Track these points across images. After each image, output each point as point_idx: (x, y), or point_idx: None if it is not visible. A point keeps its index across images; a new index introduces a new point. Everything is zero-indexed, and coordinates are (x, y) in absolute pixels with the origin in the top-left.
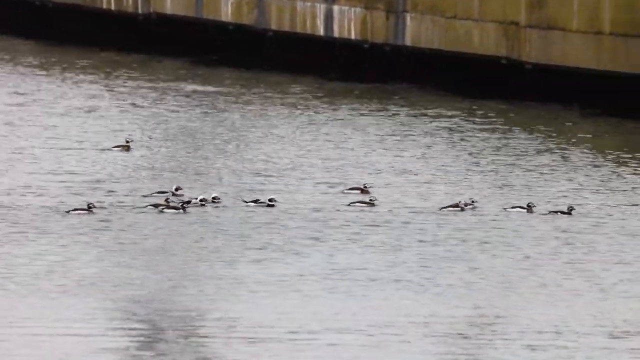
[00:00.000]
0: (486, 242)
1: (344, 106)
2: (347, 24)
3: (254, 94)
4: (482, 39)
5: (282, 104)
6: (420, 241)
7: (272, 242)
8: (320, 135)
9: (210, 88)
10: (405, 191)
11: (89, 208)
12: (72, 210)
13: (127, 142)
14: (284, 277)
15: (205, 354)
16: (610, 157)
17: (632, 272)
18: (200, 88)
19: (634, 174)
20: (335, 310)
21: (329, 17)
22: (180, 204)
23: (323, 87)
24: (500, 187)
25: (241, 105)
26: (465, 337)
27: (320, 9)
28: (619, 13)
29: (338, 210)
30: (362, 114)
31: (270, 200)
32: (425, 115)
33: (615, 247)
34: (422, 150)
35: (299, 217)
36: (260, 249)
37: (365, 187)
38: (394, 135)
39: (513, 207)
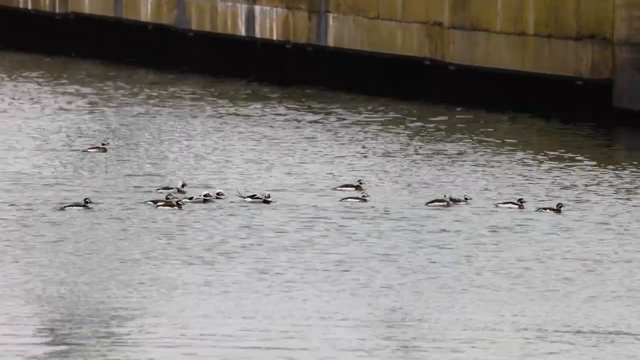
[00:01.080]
0: (410, 241)
1: (264, 107)
2: (269, 24)
3: (173, 95)
4: (405, 40)
5: (202, 105)
6: (356, 240)
7: (212, 243)
8: (234, 135)
9: (128, 89)
10: (300, 195)
11: (86, 203)
12: (68, 205)
13: (103, 144)
14: (213, 279)
15: (129, 356)
16: (534, 156)
17: (551, 270)
18: (119, 89)
19: (556, 173)
20: (262, 310)
21: (250, 18)
22: (176, 200)
23: (244, 87)
24: (420, 187)
25: (159, 106)
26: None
27: (242, 9)
28: (543, 14)
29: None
30: (281, 115)
31: (266, 196)
32: (344, 117)
33: (545, 245)
34: (334, 152)
35: (237, 219)
36: (186, 249)
37: (360, 183)
38: (310, 137)
39: (505, 203)
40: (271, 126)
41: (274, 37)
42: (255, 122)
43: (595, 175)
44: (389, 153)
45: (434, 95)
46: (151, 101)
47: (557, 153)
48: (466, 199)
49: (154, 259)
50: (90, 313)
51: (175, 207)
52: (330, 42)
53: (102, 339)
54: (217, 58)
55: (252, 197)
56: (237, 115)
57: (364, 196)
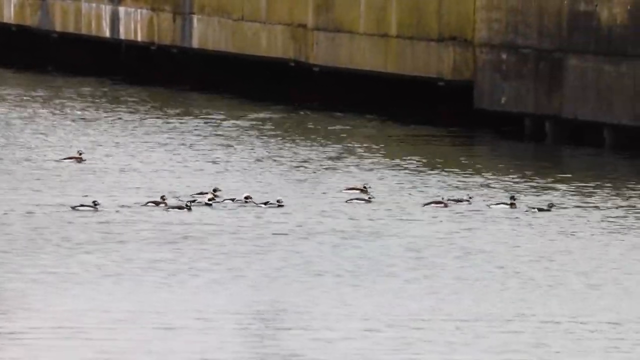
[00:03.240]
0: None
1: (127, 109)
2: (134, 25)
3: (36, 96)
4: (270, 42)
5: (65, 107)
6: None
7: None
8: (100, 138)
9: None
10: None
11: (94, 205)
12: (79, 206)
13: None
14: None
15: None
16: (396, 157)
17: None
18: None
19: (418, 174)
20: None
21: (114, 19)
22: (186, 202)
23: (109, 89)
24: (278, 188)
25: (22, 108)
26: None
27: (106, 10)
28: (405, 16)
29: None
30: (144, 117)
31: (278, 201)
32: (206, 118)
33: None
34: (195, 154)
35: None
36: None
37: (365, 187)
38: (169, 139)
39: (498, 204)
40: (129, 129)
41: (139, 39)
42: (116, 124)
43: (456, 175)
44: (252, 157)
45: (298, 96)
46: (12, 103)
47: (419, 154)
48: (469, 198)
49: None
50: None
51: (185, 210)
52: (195, 43)
53: None
54: (82, 59)
55: (265, 203)
56: (97, 117)
57: (370, 198)
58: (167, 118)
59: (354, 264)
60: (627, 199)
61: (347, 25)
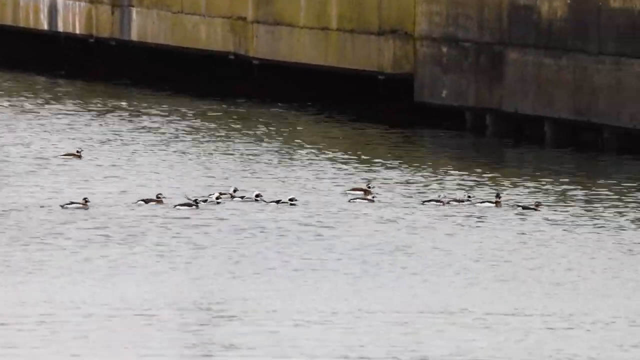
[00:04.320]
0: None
1: (67, 103)
2: (72, 18)
3: None
4: (209, 34)
5: (1, 99)
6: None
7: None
8: (38, 132)
9: None
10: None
11: (85, 202)
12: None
13: (78, 151)
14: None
15: None
16: (337, 151)
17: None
18: None
19: (358, 168)
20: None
21: (53, 11)
22: (194, 200)
23: (48, 83)
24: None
25: None
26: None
27: (44, 2)
28: (346, 9)
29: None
30: (84, 111)
31: (291, 199)
32: (146, 113)
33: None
34: (130, 149)
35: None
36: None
37: (368, 187)
38: (108, 132)
39: (483, 202)
40: (69, 123)
41: (77, 31)
42: (54, 117)
43: (395, 168)
44: (191, 150)
45: (238, 89)
46: None
47: (358, 147)
48: (469, 197)
49: None
50: None
51: (194, 207)
52: (134, 36)
53: None
54: (21, 52)
55: (277, 202)
56: (36, 110)
57: (373, 197)
58: (104, 112)
59: (302, 261)
60: (567, 193)
61: (287, 19)
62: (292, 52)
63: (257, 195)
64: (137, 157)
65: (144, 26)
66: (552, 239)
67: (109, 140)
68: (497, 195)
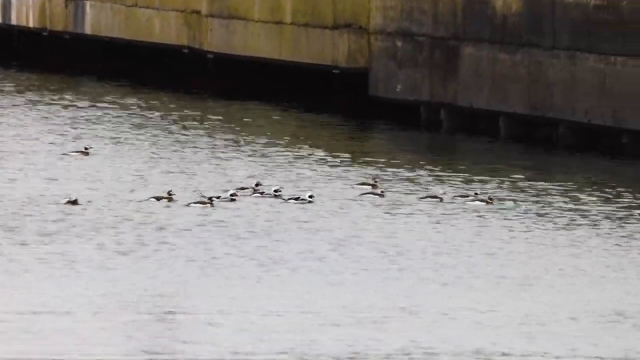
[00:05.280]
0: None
1: (21, 96)
2: (25, 11)
3: None
4: (163, 28)
5: None
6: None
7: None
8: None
9: None
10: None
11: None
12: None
13: (86, 148)
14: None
15: None
16: (290, 145)
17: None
18: None
19: (312, 162)
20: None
21: (6, 4)
22: (209, 198)
23: (2, 75)
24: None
25: None
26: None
27: None
28: (300, 3)
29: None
30: (39, 104)
31: (310, 196)
32: (97, 106)
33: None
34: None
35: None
36: None
37: (375, 181)
38: (65, 125)
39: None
40: (17, 117)
41: (31, 25)
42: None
43: (349, 163)
44: (147, 145)
45: (193, 83)
46: None
47: (313, 141)
48: (476, 194)
49: None
50: None
51: (208, 205)
52: (88, 29)
53: None
54: None
55: (296, 198)
56: None
57: (382, 192)
58: (58, 106)
59: (259, 258)
60: (521, 187)
61: (241, 12)
62: (247, 46)
63: (275, 191)
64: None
65: (97, 20)
66: (505, 233)
67: (56, 131)
68: (489, 198)
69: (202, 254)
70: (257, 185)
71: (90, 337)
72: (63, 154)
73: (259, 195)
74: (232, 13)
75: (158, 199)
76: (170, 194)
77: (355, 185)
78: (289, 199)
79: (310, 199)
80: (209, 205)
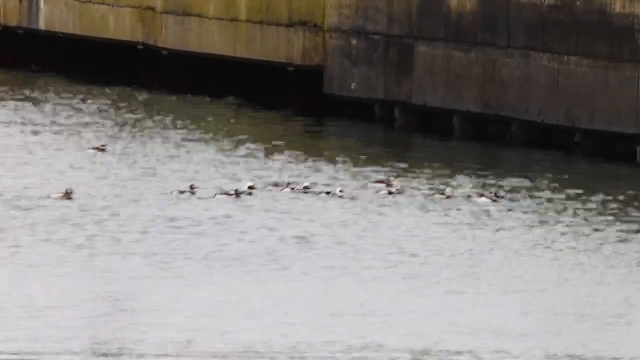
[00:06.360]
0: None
1: None
2: None
3: None
4: (117, 24)
5: None
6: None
7: None
8: None
9: None
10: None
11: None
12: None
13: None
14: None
15: None
16: (244, 144)
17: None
18: None
19: (265, 161)
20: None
21: None
22: (235, 190)
23: None
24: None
25: None
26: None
27: None
28: (255, 0)
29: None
30: None
31: (341, 191)
32: (52, 102)
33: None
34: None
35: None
36: None
37: (389, 179)
38: (17, 123)
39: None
40: None
41: None
42: None
43: (302, 161)
44: (90, 139)
45: (147, 79)
46: None
47: (267, 139)
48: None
49: None
50: None
51: (233, 196)
52: (42, 25)
53: None
54: None
55: (327, 193)
56: None
57: (397, 189)
58: (8, 99)
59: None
60: (473, 185)
61: (196, 9)
62: (201, 43)
63: (305, 187)
64: (43, 146)
65: (51, 15)
66: (456, 231)
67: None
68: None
69: (163, 248)
70: (289, 183)
71: (43, 332)
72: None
73: (288, 190)
74: (187, 10)
75: (181, 192)
76: (193, 188)
77: (371, 183)
78: (319, 193)
79: (340, 193)
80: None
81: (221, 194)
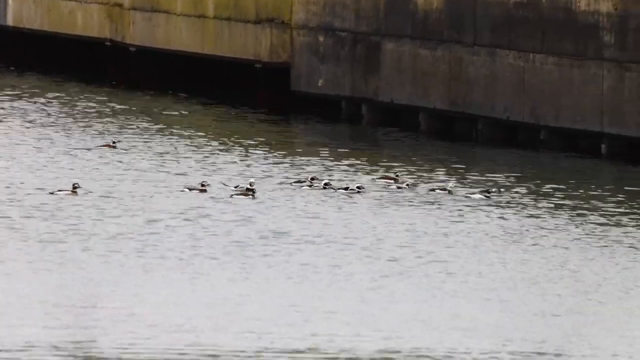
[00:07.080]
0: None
1: None
2: None
3: None
4: (85, 20)
5: None
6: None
7: None
8: None
9: None
10: None
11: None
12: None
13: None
14: None
15: None
16: (213, 141)
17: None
18: None
19: (235, 158)
20: None
21: None
22: (250, 189)
23: None
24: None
25: None
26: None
27: None
28: None
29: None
30: None
31: (359, 187)
32: (19, 98)
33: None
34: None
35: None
36: None
37: (397, 175)
38: None
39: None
40: None
41: None
42: None
43: (273, 157)
44: (60, 138)
45: (114, 76)
46: None
47: (234, 136)
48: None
49: None
50: None
51: (250, 196)
52: (10, 21)
53: None
54: None
55: (345, 189)
56: None
57: (407, 185)
58: None
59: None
60: (439, 181)
61: (164, 6)
62: (169, 40)
63: (325, 184)
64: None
65: (19, 11)
66: (413, 224)
67: None
68: (497, 190)
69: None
70: (312, 179)
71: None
72: None
73: (307, 187)
74: (155, 6)
75: (190, 189)
76: (204, 185)
77: (377, 180)
78: (338, 189)
79: (359, 190)
80: (250, 196)
81: (237, 194)
